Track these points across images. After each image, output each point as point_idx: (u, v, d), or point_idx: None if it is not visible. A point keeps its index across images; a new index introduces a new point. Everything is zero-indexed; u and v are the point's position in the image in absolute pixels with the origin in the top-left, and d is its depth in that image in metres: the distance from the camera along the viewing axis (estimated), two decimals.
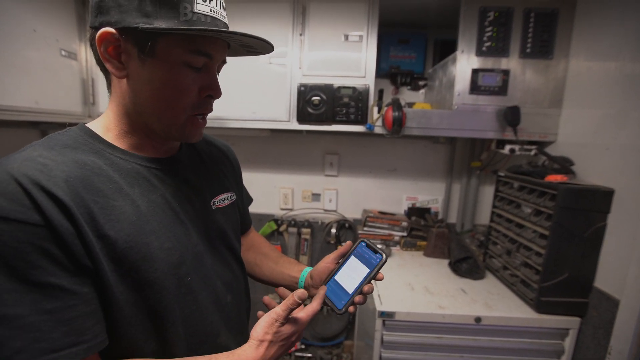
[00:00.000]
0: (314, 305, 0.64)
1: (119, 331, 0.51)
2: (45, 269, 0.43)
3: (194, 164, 0.70)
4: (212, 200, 0.70)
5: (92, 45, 0.53)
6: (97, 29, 0.51)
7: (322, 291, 0.68)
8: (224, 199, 0.73)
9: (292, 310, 0.59)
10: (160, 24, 0.49)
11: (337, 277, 0.73)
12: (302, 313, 0.63)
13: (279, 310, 0.59)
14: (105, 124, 0.58)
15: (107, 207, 0.50)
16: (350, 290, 0.68)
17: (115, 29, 0.50)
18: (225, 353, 0.56)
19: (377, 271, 0.68)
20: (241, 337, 0.71)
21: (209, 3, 0.52)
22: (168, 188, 0.60)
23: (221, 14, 0.54)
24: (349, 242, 0.76)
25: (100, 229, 0.48)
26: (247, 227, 0.93)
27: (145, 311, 0.53)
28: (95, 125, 0.58)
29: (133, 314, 0.52)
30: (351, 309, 0.67)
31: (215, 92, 0.58)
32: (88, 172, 0.50)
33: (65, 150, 0.51)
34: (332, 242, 1.94)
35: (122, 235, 0.50)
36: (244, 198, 0.89)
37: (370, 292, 0.68)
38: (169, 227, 0.57)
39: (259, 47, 0.59)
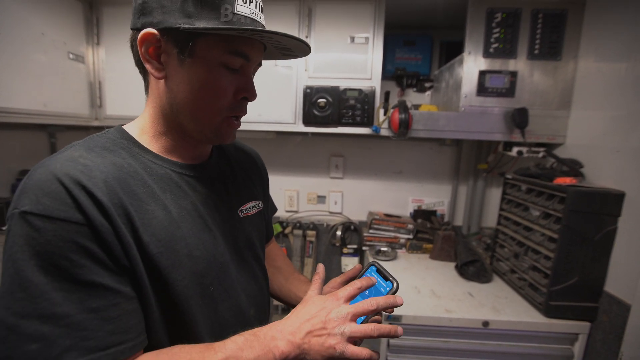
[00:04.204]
0: (355, 282, 0.59)
1: (149, 333, 0.52)
2: (89, 268, 0.44)
3: (223, 171, 0.69)
4: (240, 209, 0.69)
5: (133, 46, 0.54)
6: (139, 30, 0.51)
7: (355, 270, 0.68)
8: (251, 207, 0.72)
9: (319, 282, 0.61)
10: (201, 24, 0.49)
11: None
12: (341, 292, 0.57)
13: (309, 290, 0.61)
14: (142, 126, 0.59)
15: (141, 210, 0.50)
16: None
17: (157, 29, 0.50)
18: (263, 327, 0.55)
19: None
20: None
21: (249, 5, 0.52)
22: (198, 195, 0.60)
23: (260, 16, 0.54)
24: (358, 266, 0.71)
25: (136, 231, 0.49)
26: (269, 238, 0.90)
27: (172, 318, 0.54)
28: (131, 128, 0.59)
29: (161, 317, 0.53)
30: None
31: (251, 95, 0.58)
32: (125, 174, 0.51)
33: (104, 152, 0.52)
34: (338, 244, 1.93)
35: (153, 240, 0.50)
36: (269, 207, 0.87)
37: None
38: (198, 234, 0.57)
39: (295, 49, 0.58)
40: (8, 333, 0.41)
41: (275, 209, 0.92)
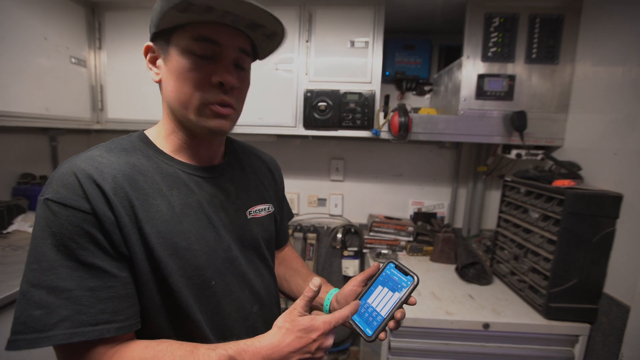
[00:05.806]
0: (341, 312, 0.60)
1: (149, 317, 0.57)
2: (91, 251, 0.51)
3: (234, 174, 0.73)
4: (248, 210, 0.72)
5: None
6: None
7: (354, 306, 0.62)
8: (260, 210, 0.75)
9: (309, 298, 0.60)
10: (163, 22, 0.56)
11: (364, 301, 0.68)
12: (328, 316, 0.58)
13: (297, 300, 0.61)
14: (158, 128, 0.66)
15: (146, 204, 0.56)
16: (381, 316, 0.63)
17: (150, 40, 0.61)
18: (247, 340, 0.56)
19: (409, 295, 0.63)
20: None
21: None
22: (204, 194, 0.64)
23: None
24: (376, 264, 0.73)
25: (138, 222, 0.54)
26: (284, 243, 0.92)
27: (171, 306, 0.58)
28: (151, 131, 0.67)
29: (162, 304, 0.57)
30: (382, 335, 0.62)
31: (225, 79, 0.58)
32: (135, 172, 0.57)
33: (121, 153, 0.59)
34: (338, 247, 1.94)
35: (154, 231, 0.55)
36: (284, 213, 0.90)
37: (403, 317, 0.63)
38: (200, 230, 0.61)
39: (267, 24, 0.58)
40: (21, 297, 0.48)
41: (292, 215, 0.95)
